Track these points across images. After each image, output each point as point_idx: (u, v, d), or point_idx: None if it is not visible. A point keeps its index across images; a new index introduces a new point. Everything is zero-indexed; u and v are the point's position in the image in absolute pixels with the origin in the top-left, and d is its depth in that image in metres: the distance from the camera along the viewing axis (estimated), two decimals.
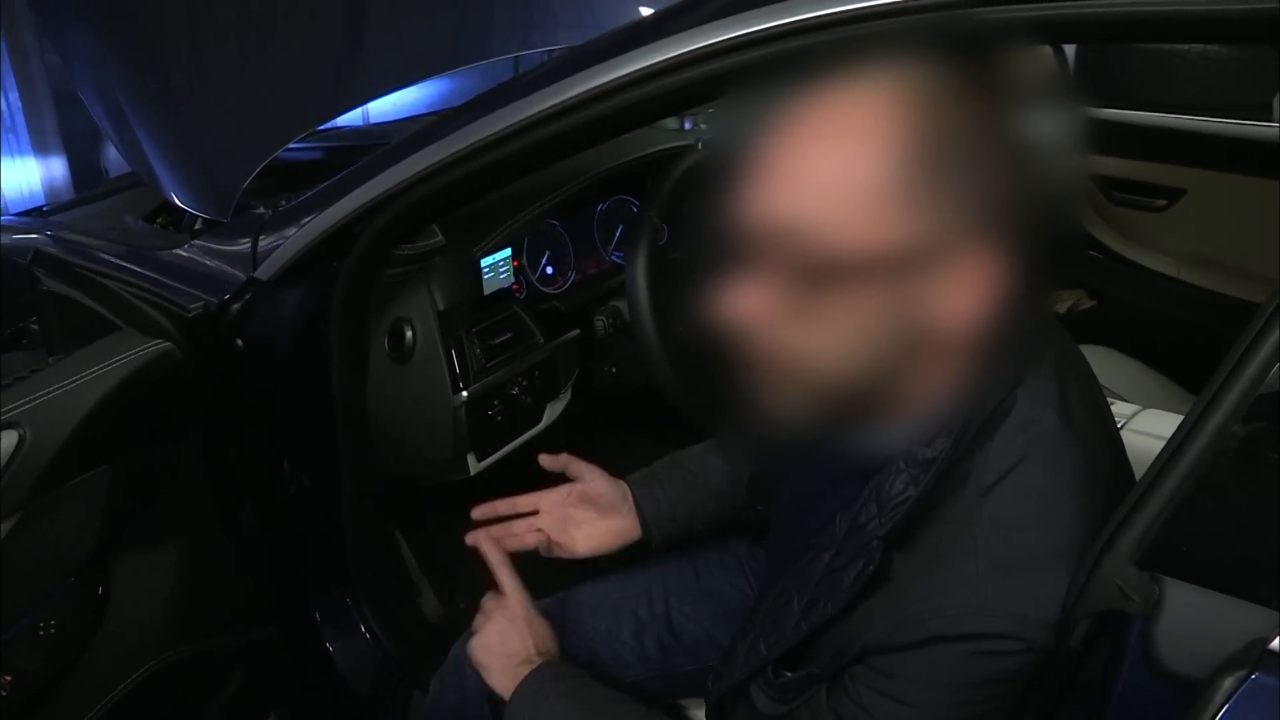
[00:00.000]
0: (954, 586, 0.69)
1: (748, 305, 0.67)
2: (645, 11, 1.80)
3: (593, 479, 1.13)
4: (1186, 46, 2.19)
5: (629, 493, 1.14)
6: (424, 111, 2.04)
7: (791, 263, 0.64)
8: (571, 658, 1.12)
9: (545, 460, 1.14)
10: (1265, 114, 2.73)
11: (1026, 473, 0.71)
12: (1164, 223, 1.98)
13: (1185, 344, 1.90)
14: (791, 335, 0.67)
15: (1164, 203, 1.99)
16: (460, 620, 1.63)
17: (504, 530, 1.11)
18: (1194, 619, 0.64)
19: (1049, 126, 0.64)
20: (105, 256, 1.32)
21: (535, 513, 1.13)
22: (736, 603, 1.20)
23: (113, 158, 3.16)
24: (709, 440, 1.22)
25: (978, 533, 0.70)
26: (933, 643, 0.70)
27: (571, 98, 0.95)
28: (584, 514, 1.13)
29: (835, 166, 0.62)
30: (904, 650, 0.71)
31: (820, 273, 0.63)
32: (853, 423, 0.74)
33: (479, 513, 1.12)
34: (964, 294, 0.64)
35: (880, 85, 0.63)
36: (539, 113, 0.97)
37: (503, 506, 1.13)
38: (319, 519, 1.36)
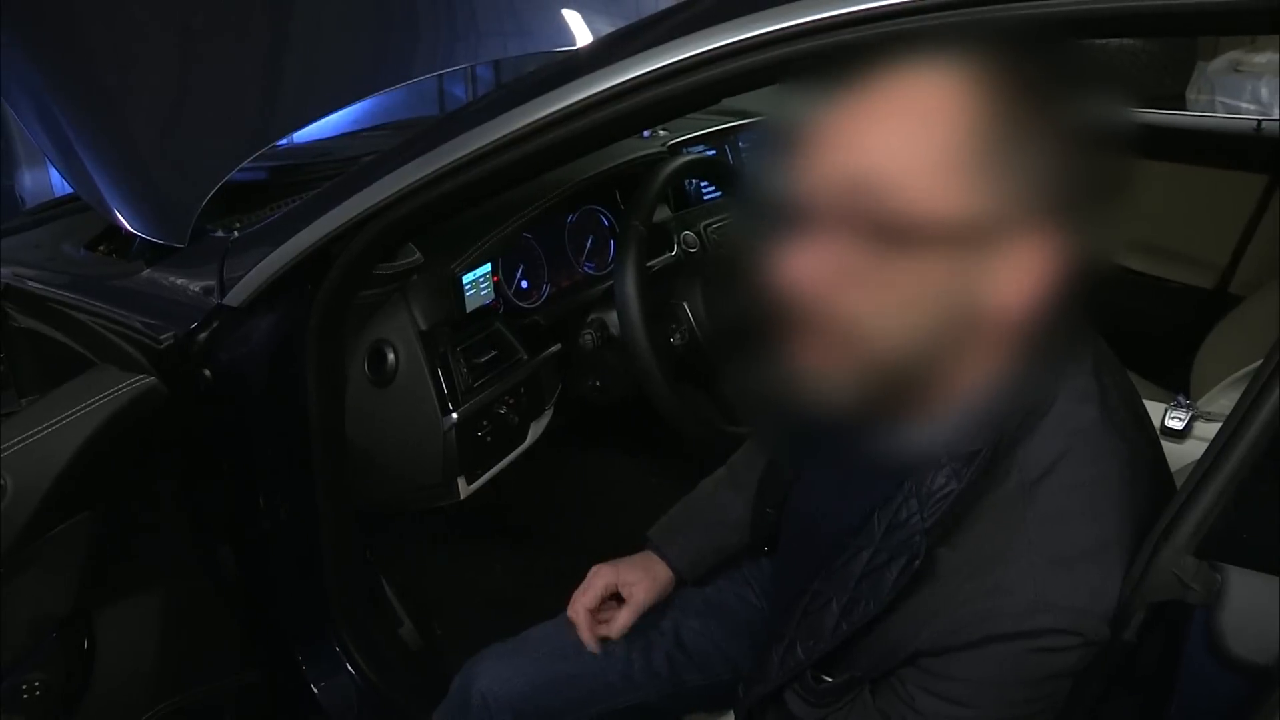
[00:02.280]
0: (1009, 584, 0.69)
1: (809, 268, 0.66)
2: (567, 15, 1.80)
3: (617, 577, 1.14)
4: (1104, 40, 2.26)
5: (651, 555, 1.16)
6: (351, 129, 1.98)
7: (858, 221, 0.63)
8: (581, 679, 1.11)
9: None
10: (1180, 104, 2.85)
11: (1071, 466, 0.71)
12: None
13: (1133, 330, 1.96)
14: (849, 301, 0.66)
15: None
16: (439, 648, 1.61)
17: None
18: (1259, 605, 0.65)
19: (1107, 120, 0.64)
20: (57, 290, 1.24)
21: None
22: (743, 613, 1.19)
23: (29, 185, 3.02)
24: (714, 475, 1.22)
25: (1028, 528, 0.70)
26: (991, 642, 0.69)
27: (569, 105, 0.92)
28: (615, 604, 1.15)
29: (911, 127, 0.63)
30: (960, 651, 0.71)
31: (885, 233, 0.63)
32: (896, 409, 0.74)
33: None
34: (1017, 278, 0.64)
35: (957, 67, 0.63)
36: (536, 121, 0.94)
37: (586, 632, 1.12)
38: (298, 554, 1.31)
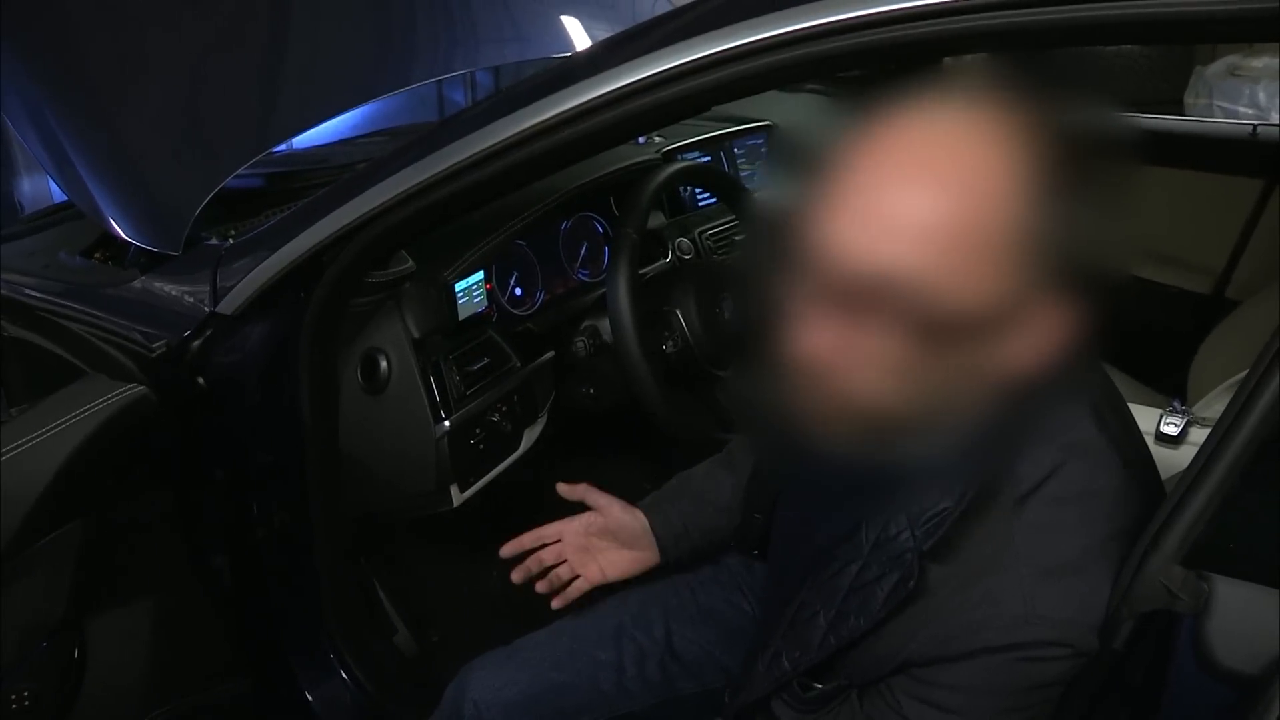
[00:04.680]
0: (1000, 596, 0.69)
1: (823, 345, 0.61)
2: (566, 21, 1.80)
3: (610, 510, 1.14)
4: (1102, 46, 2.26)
5: (645, 521, 1.15)
6: (349, 135, 1.98)
7: (880, 313, 0.58)
8: (574, 688, 1.11)
9: (563, 490, 1.16)
10: (1177, 109, 2.85)
11: (1063, 479, 0.71)
12: None
13: (1133, 336, 1.96)
14: (861, 375, 0.61)
15: None
16: (434, 655, 1.60)
17: (533, 561, 1.14)
18: (1246, 615, 0.65)
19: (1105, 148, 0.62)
20: (52, 297, 1.24)
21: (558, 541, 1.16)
22: (735, 620, 1.19)
23: (27, 191, 3.02)
24: (713, 457, 1.22)
25: (1018, 541, 0.70)
26: (981, 653, 0.69)
27: (562, 112, 0.92)
28: (604, 544, 1.15)
29: (943, 204, 0.56)
30: (949, 661, 0.71)
31: (912, 327, 0.58)
32: (891, 445, 0.71)
33: (507, 550, 1.15)
34: (1036, 344, 0.61)
35: (983, 122, 0.57)
36: (529, 128, 0.94)
37: (528, 540, 1.15)
38: (291, 562, 1.31)
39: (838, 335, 0.61)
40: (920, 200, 0.57)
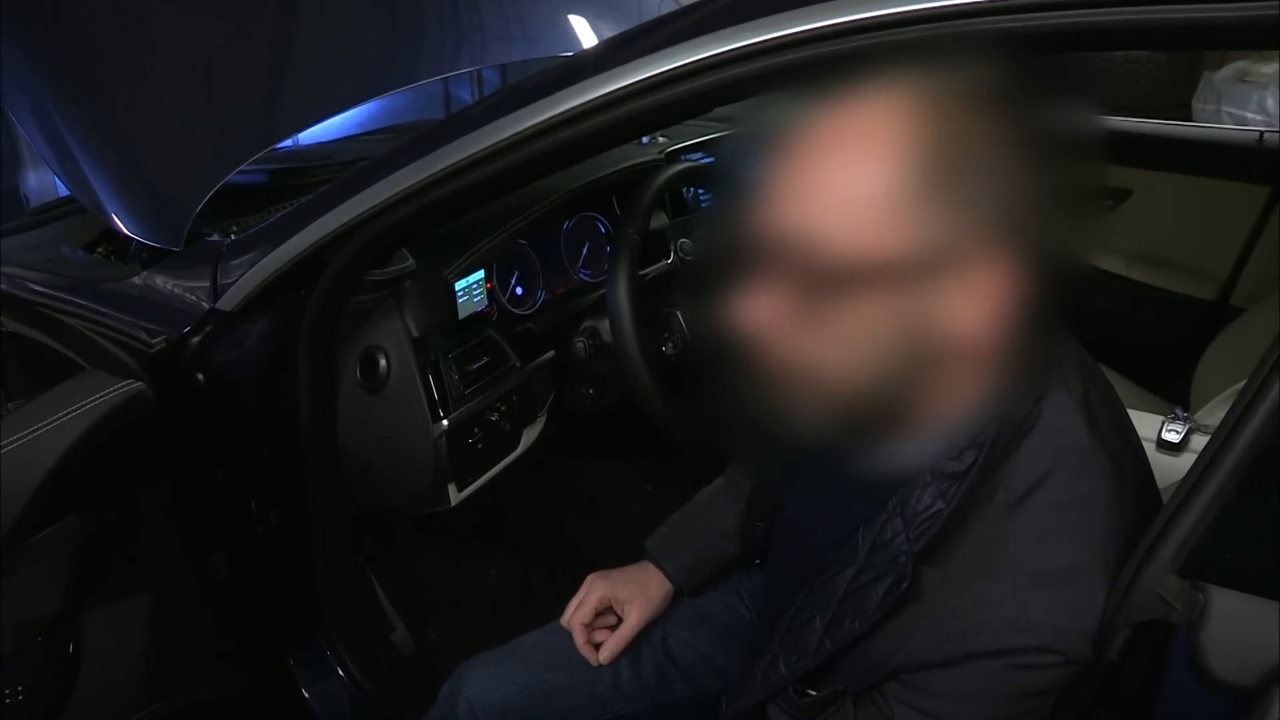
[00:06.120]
0: (992, 602, 0.69)
1: (761, 313, 0.67)
2: (573, 20, 1.80)
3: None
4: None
5: (649, 566, 1.16)
6: (355, 132, 1.98)
7: (803, 270, 0.64)
8: (570, 688, 1.10)
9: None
10: (1185, 114, 2.84)
11: (1057, 484, 0.70)
12: (1112, 223, 2.03)
13: (1137, 341, 1.96)
14: (804, 342, 0.66)
15: (1111, 203, 2.04)
16: (433, 653, 1.60)
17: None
18: (1241, 626, 0.64)
19: (1063, 136, 0.64)
20: (53, 291, 1.24)
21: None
22: (733, 625, 1.19)
23: (33, 185, 3.03)
24: (711, 485, 1.22)
25: (1011, 546, 0.69)
26: (972, 659, 0.69)
27: (564, 111, 0.92)
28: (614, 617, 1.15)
29: (845, 175, 0.63)
30: (941, 667, 0.71)
31: (830, 280, 0.63)
32: (873, 433, 0.73)
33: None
34: (976, 303, 0.64)
35: (891, 97, 0.62)
36: (531, 127, 0.94)
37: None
38: (289, 559, 1.31)
39: (772, 300, 0.67)
40: (817, 170, 0.64)
